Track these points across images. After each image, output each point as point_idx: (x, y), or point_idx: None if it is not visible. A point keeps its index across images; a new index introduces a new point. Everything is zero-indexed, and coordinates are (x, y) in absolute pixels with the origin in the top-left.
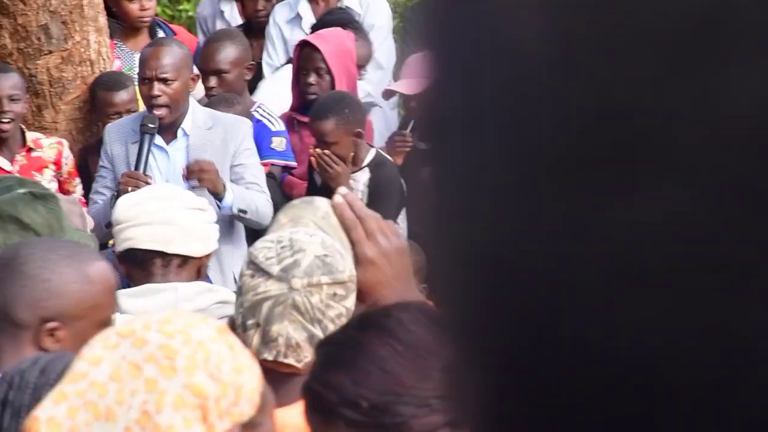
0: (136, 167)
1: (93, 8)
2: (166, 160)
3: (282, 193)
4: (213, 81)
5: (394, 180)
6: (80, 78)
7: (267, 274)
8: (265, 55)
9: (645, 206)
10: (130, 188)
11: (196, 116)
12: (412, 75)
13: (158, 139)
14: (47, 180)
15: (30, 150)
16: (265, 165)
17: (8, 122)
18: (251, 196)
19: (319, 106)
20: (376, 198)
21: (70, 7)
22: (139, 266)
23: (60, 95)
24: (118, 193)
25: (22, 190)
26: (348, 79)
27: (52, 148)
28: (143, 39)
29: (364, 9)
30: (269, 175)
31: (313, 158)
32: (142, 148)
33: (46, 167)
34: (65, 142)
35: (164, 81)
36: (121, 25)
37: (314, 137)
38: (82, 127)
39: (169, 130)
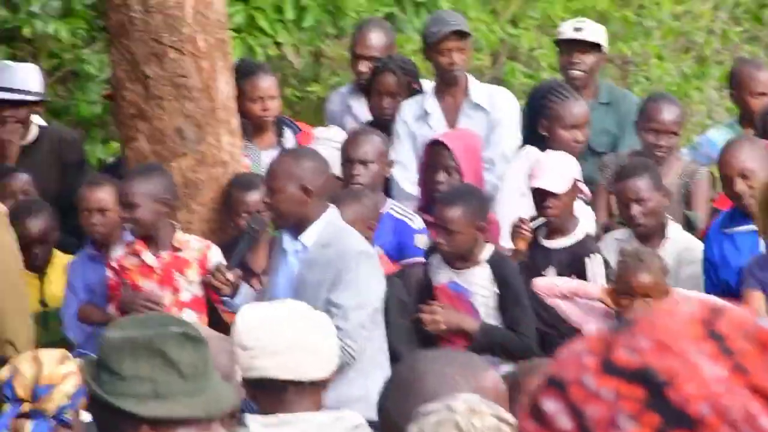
0: (230, 262)
1: (226, 111)
2: (286, 265)
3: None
4: (359, 169)
5: (519, 277)
6: (213, 179)
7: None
8: (392, 152)
9: None
10: (213, 281)
11: (324, 231)
12: (550, 172)
13: (287, 244)
14: (186, 281)
15: (176, 249)
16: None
17: None
18: None
19: (448, 193)
20: (510, 297)
21: (204, 110)
22: (269, 394)
23: (194, 196)
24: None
25: (177, 329)
26: (476, 179)
27: (198, 250)
28: (269, 137)
29: (491, 105)
30: (399, 275)
31: (424, 316)
32: (239, 246)
33: (189, 268)
34: (214, 247)
35: (270, 191)
36: (249, 123)
37: (437, 223)
38: (214, 227)
39: (294, 235)
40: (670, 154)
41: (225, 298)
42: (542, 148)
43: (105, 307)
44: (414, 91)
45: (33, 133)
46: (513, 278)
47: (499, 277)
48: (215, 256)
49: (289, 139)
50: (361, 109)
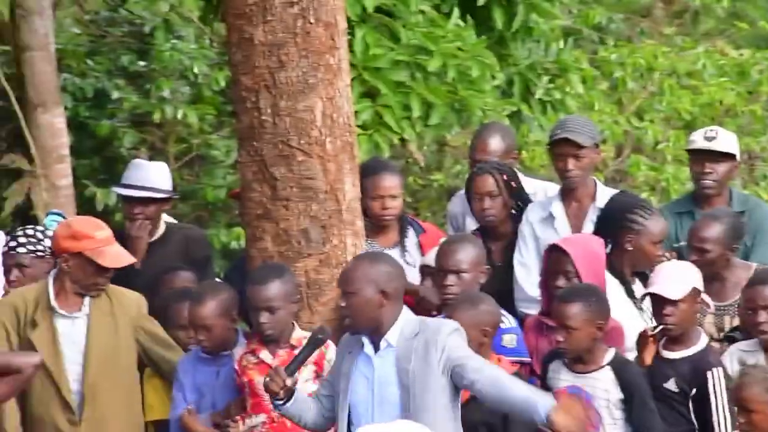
0: (288, 366)
1: (351, 213)
2: (372, 371)
3: None
4: (451, 279)
5: (644, 380)
6: (336, 280)
7: None
8: (516, 254)
9: None
10: (267, 379)
11: (405, 327)
12: (667, 279)
13: (367, 348)
14: (304, 379)
15: (293, 347)
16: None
17: None
18: None
19: (567, 291)
20: (637, 400)
21: (329, 212)
22: None
23: (317, 297)
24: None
25: None
26: (597, 283)
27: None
28: (392, 236)
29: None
30: (517, 375)
31: None
32: (301, 351)
33: (305, 366)
34: (332, 345)
35: (347, 294)
36: (371, 222)
37: (555, 321)
38: (336, 328)
39: (374, 339)
40: None
41: (277, 402)
42: (609, 258)
43: (212, 409)
44: (514, 190)
45: (161, 229)
46: (638, 382)
47: (624, 380)
48: (332, 355)
49: (412, 239)
50: None
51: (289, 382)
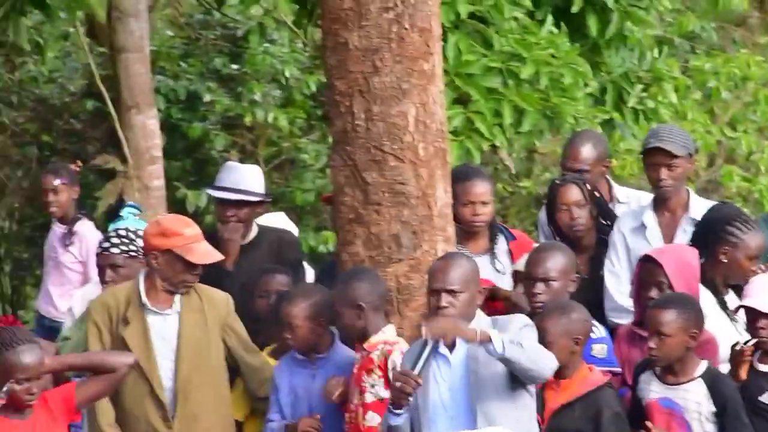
0: (413, 367)
1: (443, 218)
2: (448, 369)
3: (623, 407)
4: (539, 287)
5: (737, 393)
6: (426, 286)
7: None
8: (607, 262)
9: None
10: (398, 383)
11: (479, 325)
12: (762, 292)
13: (442, 348)
14: (370, 384)
15: (367, 352)
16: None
17: None
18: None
19: (663, 297)
20: (730, 414)
21: (420, 217)
22: None
23: (407, 302)
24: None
25: None
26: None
27: (382, 352)
28: (482, 242)
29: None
30: (608, 384)
31: None
32: (422, 351)
33: (372, 370)
34: (398, 350)
35: (451, 293)
36: (462, 228)
37: (649, 327)
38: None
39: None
40: None
41: (392, 411)
42: (703, 269)
43: (308, 412)
44: (597, 199)
45: (253, 232)
46: (732, 394)
47: (717, 393)
48: (395, 358)
49: (502, 246)
50: None
51: (420, 381)
